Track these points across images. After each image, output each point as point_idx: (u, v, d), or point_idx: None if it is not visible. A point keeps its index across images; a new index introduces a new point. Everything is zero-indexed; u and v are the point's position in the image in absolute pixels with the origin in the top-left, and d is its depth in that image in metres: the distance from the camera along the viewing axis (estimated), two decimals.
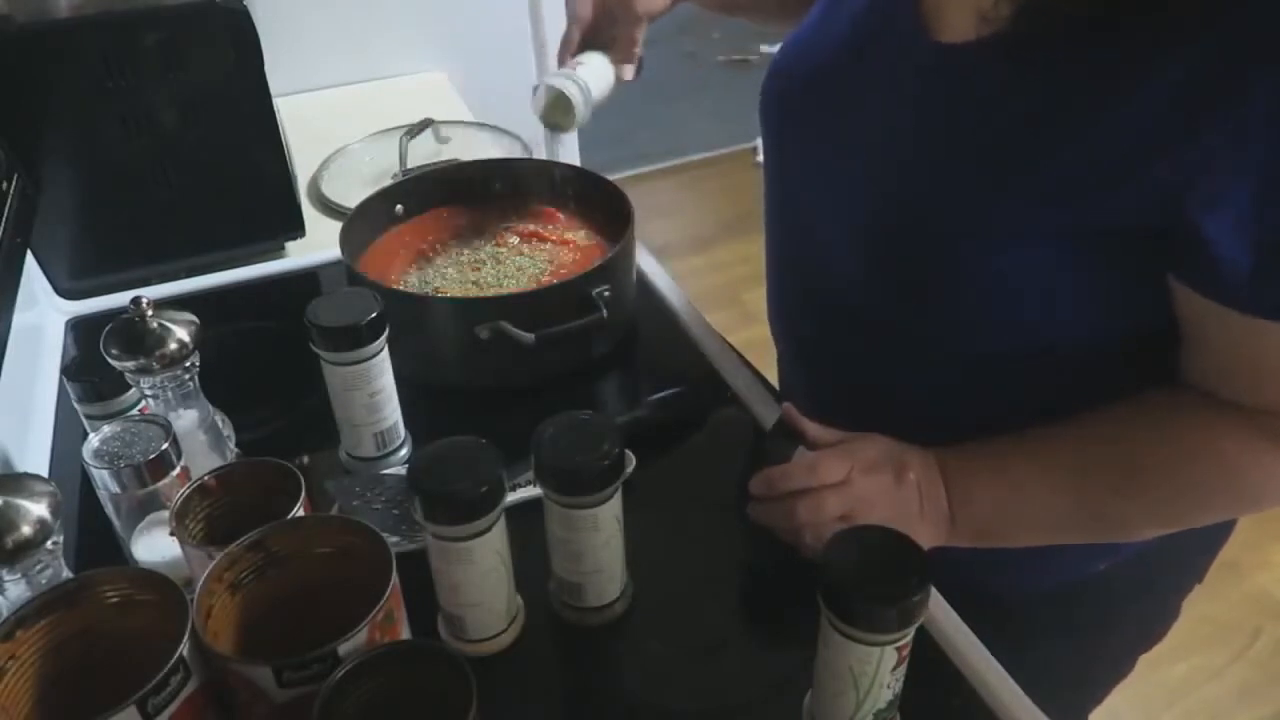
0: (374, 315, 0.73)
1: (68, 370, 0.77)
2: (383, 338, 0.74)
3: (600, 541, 0.64)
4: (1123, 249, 0.61)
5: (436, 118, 1.39)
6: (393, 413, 0.79)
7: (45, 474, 0.82)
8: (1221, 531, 0.84)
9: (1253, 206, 0.55)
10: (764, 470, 0.70)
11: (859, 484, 0.68)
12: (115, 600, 0.53)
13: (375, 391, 0.76)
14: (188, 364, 0.69)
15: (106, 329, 0.69)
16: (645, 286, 1.03)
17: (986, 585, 0.76)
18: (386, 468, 0.79)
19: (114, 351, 0.68)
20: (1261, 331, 0.59)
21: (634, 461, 0.78)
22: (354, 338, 0.73)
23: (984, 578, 0.75)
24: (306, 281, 1.10)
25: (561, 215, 1.04)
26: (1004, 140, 0.63)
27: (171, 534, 0.59)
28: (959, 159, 0.66)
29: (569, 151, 1.87)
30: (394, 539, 0.69)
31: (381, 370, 0.76)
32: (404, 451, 0.81)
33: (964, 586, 0.68)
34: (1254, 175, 0.54)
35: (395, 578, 0.53)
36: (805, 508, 0.67)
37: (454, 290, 0.92)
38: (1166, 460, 0.66)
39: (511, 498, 0.64)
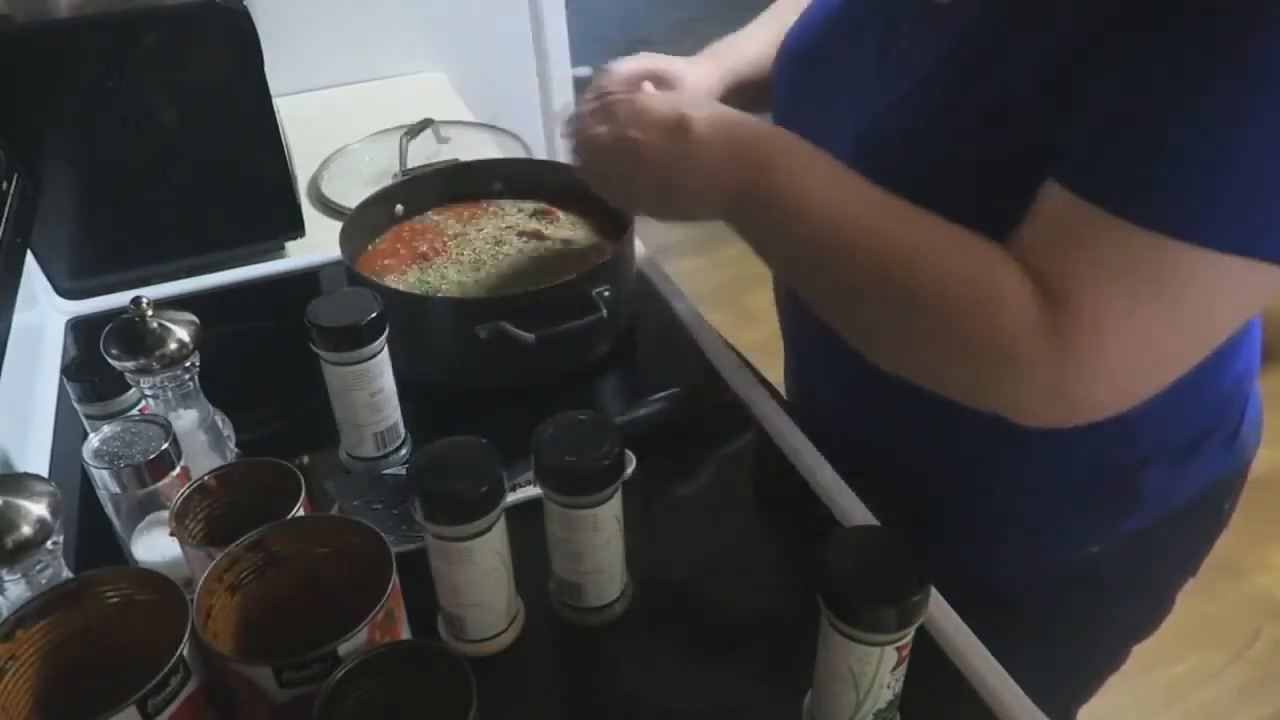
0: (374, 315, 0.73)
1: (68, 370, 0.77)
2: (383, 338, 0.74)
3: (600, 541, 0.64)
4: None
5: (436, 118, 1.39)
6: (393, 413, 0.79)
7: (45, 474, 0.82)
8: (1213, 523, 0.86)
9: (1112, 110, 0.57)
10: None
11: (639, 116, 0.71)
12: (115, 600, 0.53)
13: (375, 391, 0.76)
14: (188, 364, 0.69)
15: (106, 329, 0.69)
16: (645, 286, 1.03)
17: (978, 572, 0.76)
18: (386, 468, 0.79)
19: (114, 351, 0.68)
20: (1083, 212, 0.57)
21: (634, 461, 0.78)
22: (354, 338, 0.73)
23: (976, 560, 0.75)
24: (306, 281, 1.10)
25: (561, 215, 1.04)
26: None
27: (171, 534, 0.59)
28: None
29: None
30: (394, 539, 0.69)
31: (381, 370, 0.76)
32: (404, 451, 0.81)
33: (956, 576, 0.68)
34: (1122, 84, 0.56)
35: (395, 578, 0.53)
36: (593, 115, 0.73)
37: (454, 290, 0.92)
38: (926, 250, 0.62)
39: (511, 498, 0.64)
